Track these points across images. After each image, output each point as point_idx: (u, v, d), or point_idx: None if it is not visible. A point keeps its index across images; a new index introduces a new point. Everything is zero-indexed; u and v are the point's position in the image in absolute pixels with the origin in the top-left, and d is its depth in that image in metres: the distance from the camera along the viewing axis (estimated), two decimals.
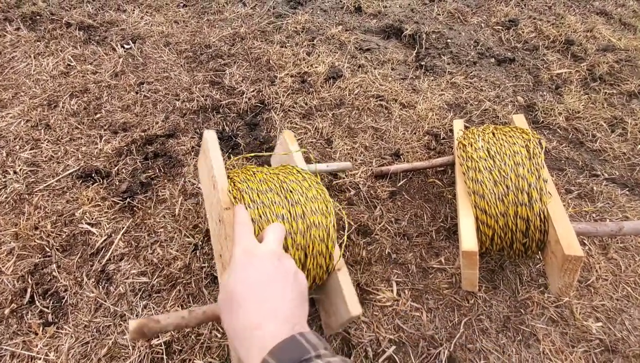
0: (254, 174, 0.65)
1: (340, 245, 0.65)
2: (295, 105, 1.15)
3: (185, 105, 1.12)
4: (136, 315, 0.72)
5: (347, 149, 1.04)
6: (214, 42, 1.35)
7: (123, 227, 0.84)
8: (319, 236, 0.59)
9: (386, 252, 0.84)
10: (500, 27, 1.53)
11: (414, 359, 0.70)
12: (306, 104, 1.15)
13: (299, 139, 1.05)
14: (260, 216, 0.57)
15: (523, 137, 0.73)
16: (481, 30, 1.51)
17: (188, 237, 0.83)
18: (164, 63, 1.25)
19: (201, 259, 0.79)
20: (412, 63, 1.34)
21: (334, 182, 0.96)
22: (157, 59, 1.27)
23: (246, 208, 0.57)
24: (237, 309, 0.40)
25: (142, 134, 1.03)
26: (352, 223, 0.88)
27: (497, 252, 0.73)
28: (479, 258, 0.68)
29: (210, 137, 0.68)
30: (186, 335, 0.70)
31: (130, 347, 0.68)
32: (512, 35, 1.49)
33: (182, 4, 1.52)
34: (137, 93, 1.15)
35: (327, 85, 1.22)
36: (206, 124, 1.08)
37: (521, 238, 0.67)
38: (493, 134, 0.76)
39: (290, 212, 0.59)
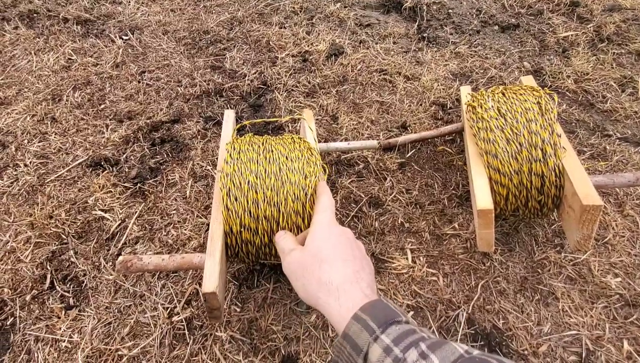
0: (251, 140, 0.69)
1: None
2: (298, 85, 1.14)
3: (188, 91, 1.12)
4: (155, 295, 0.73)
5: (353, 124, 1.03)
6: (212, 27, 1.34)
7: (136, 212, 0.84)
8: (293, 193, 0.61)
9: (399, 222, 0.84)
10: None
11: (432, 322, 0.70)
12: (309, 82, 1.14)
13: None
14: (235, 171, 0.62)
15: (534, 94, 0.72)
16: None
17: (201, 218, 0.83)
18: (164, 51, 1.25)
19: None
20: (414, 36, 1.32)
21: (343, 156, 0.96)
22: (156, 47, 1.26)
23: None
24: (327, 265, 0.44)
25: (148, 121, 1.03)
26: (363, 196, 0.88)
27: (511, 212, 0.72)
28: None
29: (226, 115, 0.80)
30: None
31: (152, 325, 0.69)
32: (515, 1, 1.45)
33: None
34: (139, 82, 1.15)
35: (329, 62, 1.20)
36: (210, 108, 1.07)
37: (536, 195, 0.66)
38: (503, 93, 0.75)
39: (265, 169, 0.62)
